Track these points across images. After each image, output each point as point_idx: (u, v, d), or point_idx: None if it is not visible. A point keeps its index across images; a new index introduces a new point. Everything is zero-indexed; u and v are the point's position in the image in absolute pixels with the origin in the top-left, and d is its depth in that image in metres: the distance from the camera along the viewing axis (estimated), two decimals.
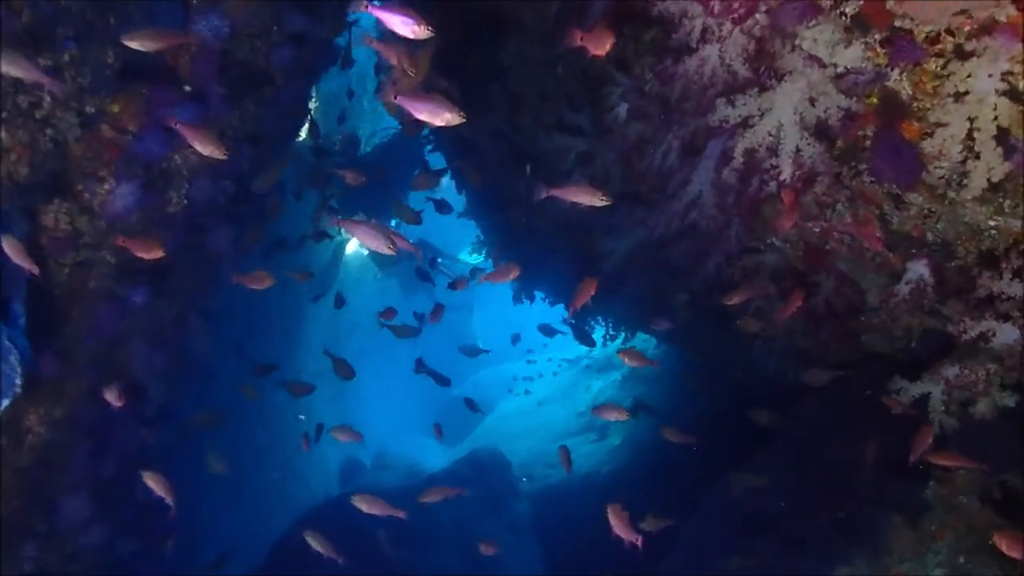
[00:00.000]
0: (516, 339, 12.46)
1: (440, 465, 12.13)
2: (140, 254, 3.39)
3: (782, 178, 3.23)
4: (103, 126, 3.35)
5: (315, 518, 9.05)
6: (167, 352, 4.49)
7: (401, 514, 4.37)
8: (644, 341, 11.68)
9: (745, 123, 3.18)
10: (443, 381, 8.12)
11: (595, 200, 3.79)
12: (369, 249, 11.79)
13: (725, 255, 4.50)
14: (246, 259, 5.70)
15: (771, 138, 3.13)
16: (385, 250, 3.45)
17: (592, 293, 4.31)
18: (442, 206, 7.41)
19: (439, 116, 3.11)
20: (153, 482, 3.39)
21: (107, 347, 3.92)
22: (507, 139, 6.21)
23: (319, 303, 13.15)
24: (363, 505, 4.31)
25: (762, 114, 3.12)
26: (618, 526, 4.46)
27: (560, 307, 9.10)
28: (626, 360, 4.90)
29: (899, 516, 3.98)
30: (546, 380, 13.85)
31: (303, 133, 9.48)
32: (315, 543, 4.40)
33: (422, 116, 3.12)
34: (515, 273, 5.18)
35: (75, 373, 3.77)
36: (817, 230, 3.95)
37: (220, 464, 5.52)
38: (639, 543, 4.39)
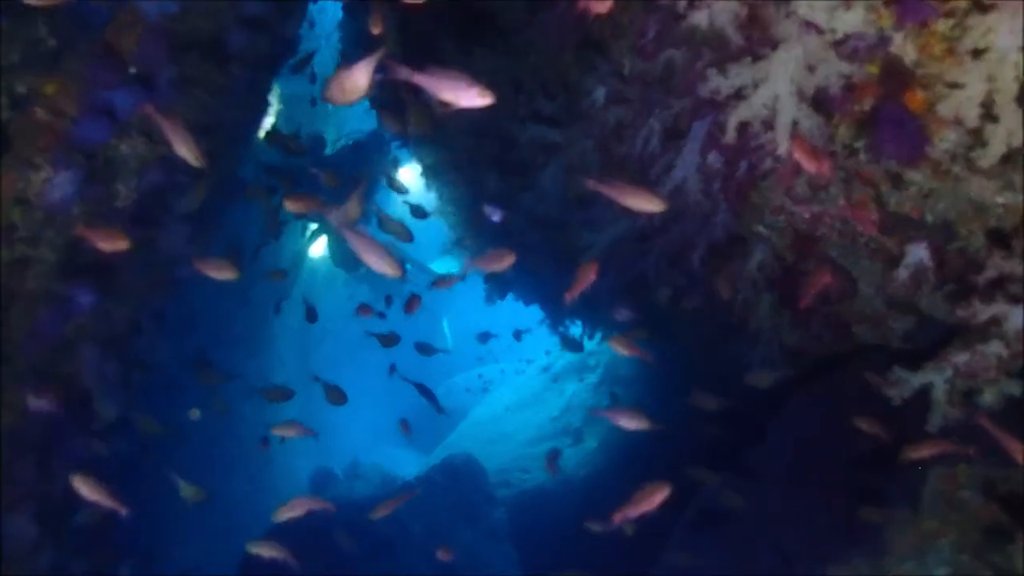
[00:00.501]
0: (485, 337, 12.20)
1: (414, 473, 11.80)
2: (102, 245, 3.04)
3: (778, 153, 2.99)
4: (37, 109, 3.03)
5: (283, 531, 8.67)
6: (120, 360, 4.15)
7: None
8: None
9: (738, 95, 2.95)
10: (428, 394, 7.80)
11: (652, 205, 3.30)
12: (337, 254, 11.46)
13: (710, 245, 4.26)
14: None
15: (766, 110, 2.89)
16: (392, 274, 3.11)
17: (593, 278, 3.94)
18: (417, 211, 7.13)
19: (464, 95, 2.54)
20: (85, 487, 2.98)
21: (50, 353, 3.58)
22: (479, 134, 5.95)
23: (285, 310, 12.76)
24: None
25: (756, 85, 2.88)
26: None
27: (534, 308, 8.84)
28: (617, 348, 4.55)
29: (899, 513, 3.76)
30: (518, 384, 13.57)
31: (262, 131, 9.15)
32: (268, 552, 3.98)
33: (446, 96, 2.55)
34: (509, 260, 4.83)
35: (14, 381, 3.43)
36: (807, 215, 3.73)
37: (192, 490, 5.07)
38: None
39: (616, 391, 11.11)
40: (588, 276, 3.92)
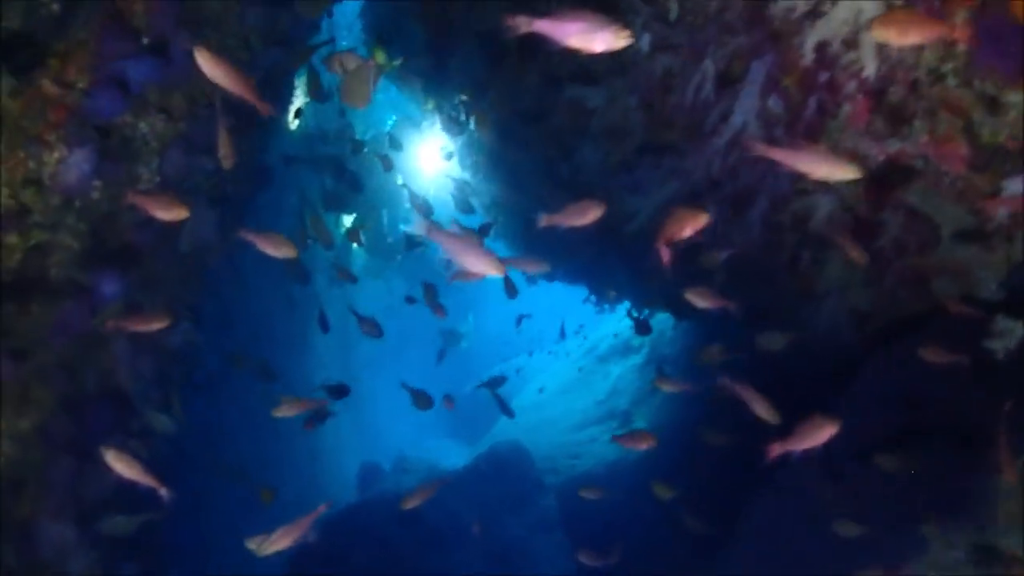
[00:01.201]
0: (520, 320, 11.88)
1: (460, 464, 11.55)
2: (159, 214, 2.76)
3: (865, 75, 2.64)
4: (44, 81, 2.78)
5: (333, 527, 8.48)
6: (154, 355, 3.91)
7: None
8: (661, 321, 11.10)
9: (815, 12, 2.60)
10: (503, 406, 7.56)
11: (844, 172, 2.62)
12: (374, 245, 11.22)
13: (772, 200, 3.91)
14: (236, 251, 5.11)
15: (848, 28, 2.54)
16: (494, 273, 2.76)
17: (699, 225, 3.09)
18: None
19: (598, 38, 2.21)
20: (119, 463, 2.64)
21: (80, 348, 3.34)
22: (513, 102, 5.62)
23: (327, 307, 12.54)
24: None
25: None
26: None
27: (578, 288, 8.50)
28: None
29: (1002, 483, 3.38)
30: (560, 368, 13.24)
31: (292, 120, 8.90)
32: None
33: (576, 43, 2.25)
34: (542, 267, 4.58)
35: (41, 378, 3.20)
36: (883, 157, 3.37)
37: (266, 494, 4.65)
38: None
39: (664, 370, 10.75)
40: (693, 221, 3.07)
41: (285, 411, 3.88)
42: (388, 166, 7.57)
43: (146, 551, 4.78)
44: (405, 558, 8.26)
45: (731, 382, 3.99)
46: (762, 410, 3.56)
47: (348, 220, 11.79)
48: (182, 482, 6.46)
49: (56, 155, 2.88)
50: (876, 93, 2.93)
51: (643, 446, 4.19)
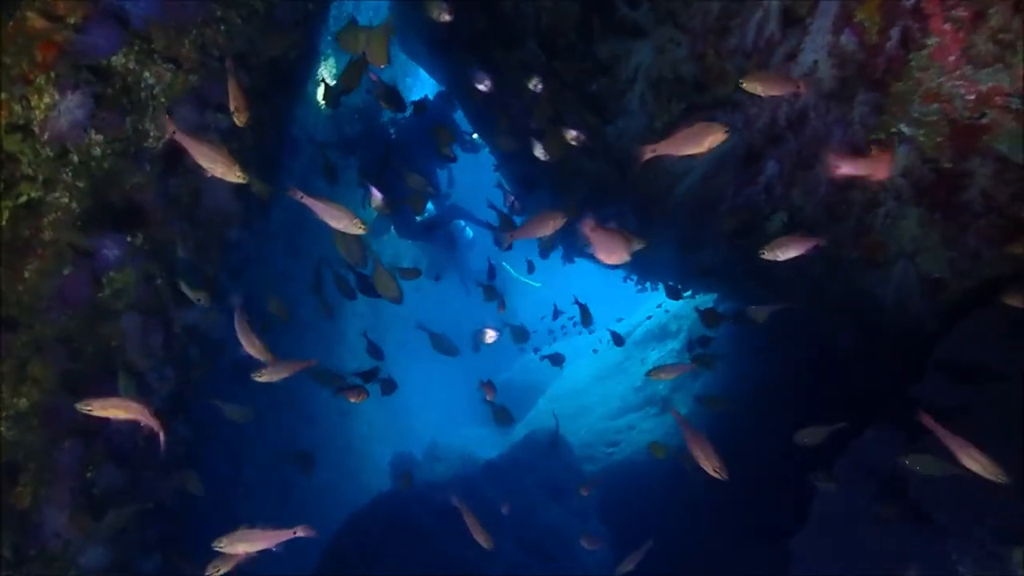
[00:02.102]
0: (556, 314, 11.45)
1: (495, 453, 11.23)
2: (207, 163, 2.45)
3: None
4: (29, 13, 2.46)
5: (366, 518, 8.19)
6: (167, 330, 3.59)
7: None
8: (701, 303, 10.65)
9: None
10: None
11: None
12: (400, 224, 10.89)
13: (848, 149, 3.49)
14: (262, 223, 4.79)
15: None
16: None
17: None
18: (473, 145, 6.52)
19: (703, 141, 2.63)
20: (108, 408, 2.29)
21: (82, 321, 3.03)
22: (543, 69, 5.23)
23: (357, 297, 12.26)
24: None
25: None
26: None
27: (618, 272, 8.10)
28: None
29: None
30: (595, 356, 12.83)
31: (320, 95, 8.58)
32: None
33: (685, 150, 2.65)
34: (557, 223, 3.84)
35: (39, 353, 2.90)
36: (972, 97, 2.95)
37: (238, 412, 4.33)
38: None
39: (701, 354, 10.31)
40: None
41: (268, 375, 3.46)
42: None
43: (170, 542, 4.49)
44: (440, 550, 7.95)
45: (682, 420, 3.78)
46: (706, 461, 3.21)
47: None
48: (211, 470, 6.19)
49: (46, 99, 2.56)
50: (972, 17, 2.51)
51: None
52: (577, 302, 7.95)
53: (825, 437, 4.11)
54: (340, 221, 2.93)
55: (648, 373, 4.78)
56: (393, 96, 5.09)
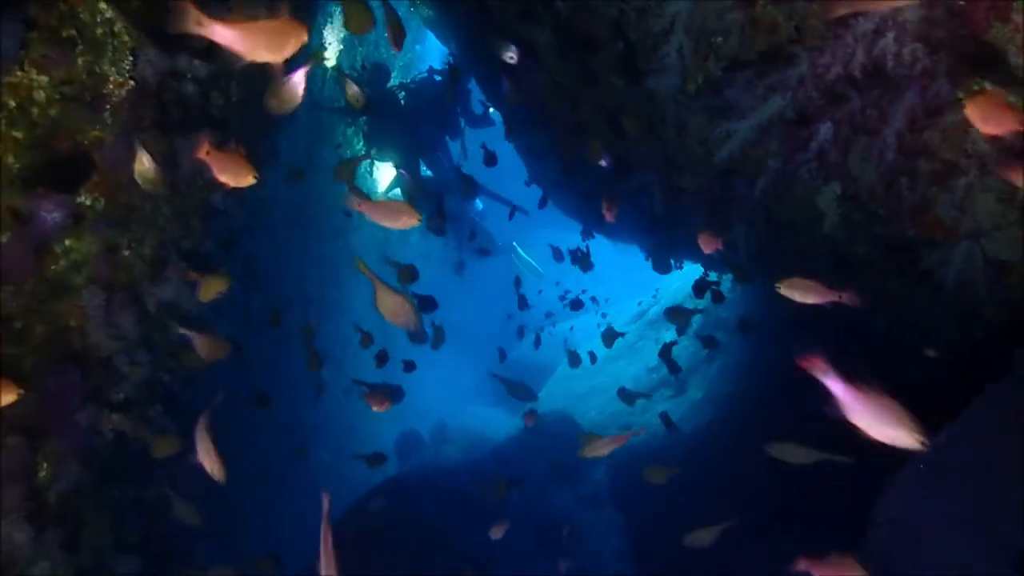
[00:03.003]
0: (577, 305, 10.92)
1: (504, 434, 10.79)
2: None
3: None
4: None
5: (367, 504, 7.77)
6: (139, 308, 3.11)
7: None
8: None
9: None
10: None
11: None
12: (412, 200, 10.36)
13: (922, 109, 2.97)
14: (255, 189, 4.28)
15: None
16: None
17: None
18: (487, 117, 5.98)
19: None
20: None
21: (28, 298, 2.56)
22: (563, 30, 4.70)
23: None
24: None
25: None
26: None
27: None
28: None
29: None
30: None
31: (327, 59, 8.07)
32: None
33: None
34: None
35: None
36: None
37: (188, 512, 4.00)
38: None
39: (718, 337, 9.82)
40: None
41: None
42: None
43: (153, 540, 4.05)
44: (446, 535, 7.53)
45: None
46: None
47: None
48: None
49: None
50: None
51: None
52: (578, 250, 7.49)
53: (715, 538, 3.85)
54: (398, 219, 2.78)
55: (580, 452, 4.28)
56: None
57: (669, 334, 10.61)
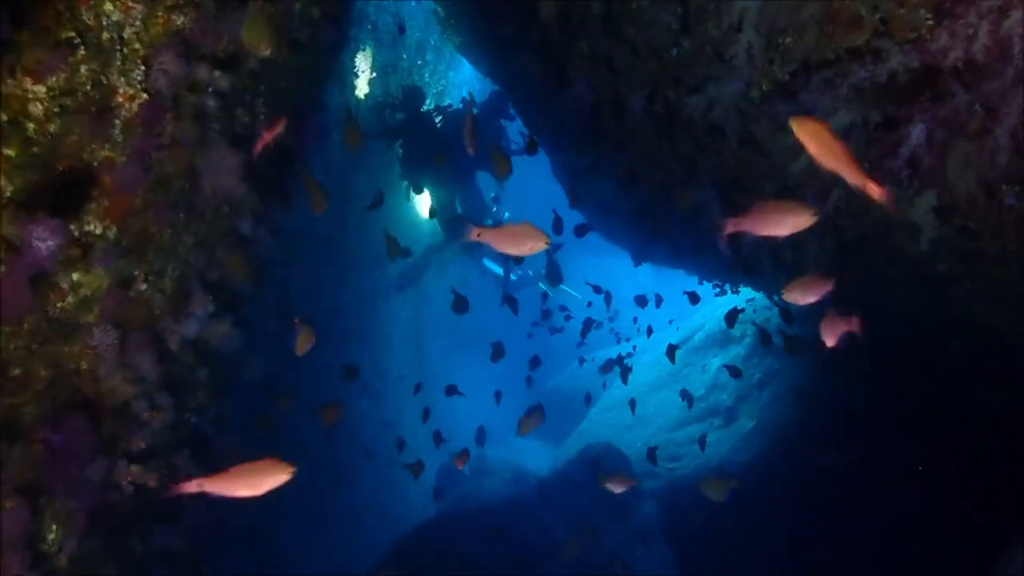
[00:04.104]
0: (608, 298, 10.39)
1: (545, 466, 10.32)
2: None
3: None
4: None
5: (411, 546, 7.34)
6: (160, 347, 2.77)
7: None
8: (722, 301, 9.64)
9: None
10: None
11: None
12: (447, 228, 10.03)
13: None
14: (284, 217, 3.97)
15: None
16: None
17: None
18: (532, 147, 5.59)
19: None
20: None
21: (28, 338, 2.21)
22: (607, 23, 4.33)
23: (399, 299, 11.43)
24: None
25: None
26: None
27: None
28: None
29: None
30: (649, 362, 11.85)
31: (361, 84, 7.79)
32: None
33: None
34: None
35: None
36: None
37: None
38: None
39: (769, 364, 9.32)
40: None
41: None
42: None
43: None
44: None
45: None
46: None
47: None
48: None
49: None
50: None
51: None
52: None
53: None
54: (525, 244, 2.58)
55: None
56: None
57: (717, 360, 10.10)
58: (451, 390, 6.58)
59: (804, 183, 3.80)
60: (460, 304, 6.11)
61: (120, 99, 2.23)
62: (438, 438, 6.47)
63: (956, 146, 2.95)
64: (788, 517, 7.31)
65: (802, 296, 3.21)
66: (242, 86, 2.86)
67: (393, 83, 9.32)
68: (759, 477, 7.91)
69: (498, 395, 8.15)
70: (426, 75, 10.42)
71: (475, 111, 9.00)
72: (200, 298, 2.95)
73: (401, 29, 8.96)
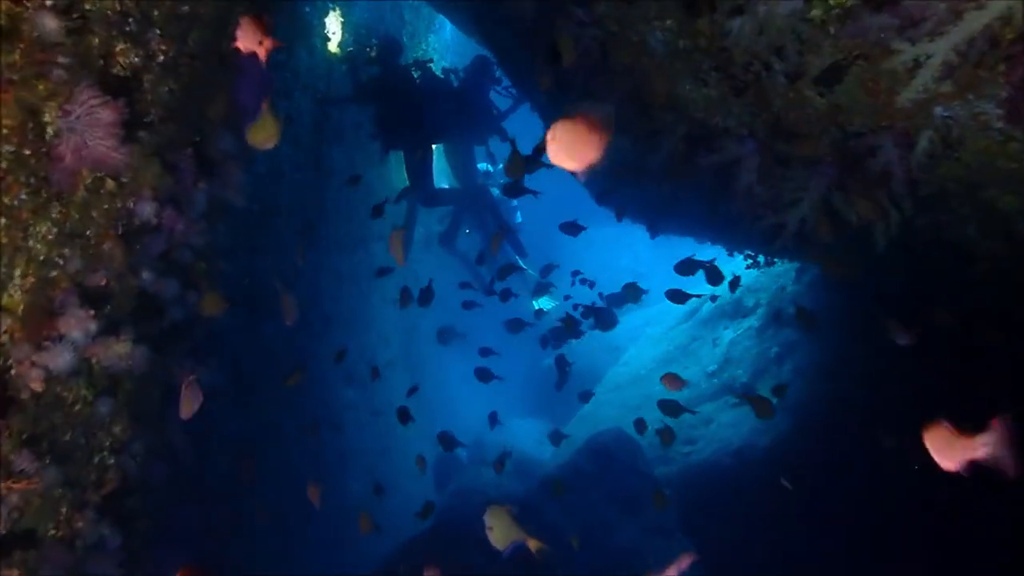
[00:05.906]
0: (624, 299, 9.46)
1: (548, 452, 9.48)
2: None
3: None
4: None
5: (409, 547, 6.52)
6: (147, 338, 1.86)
7: None
8: (779, 273, 8.75)
9: None
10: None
11: None
12: None
13: None
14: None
15: None
16: None
17: None
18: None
19: None
20: None
21: None
22: None
23: (384, 282, 10.48)
24: None
25: None
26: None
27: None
28: None
29: None
30: (656, 336, 10.96)
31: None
32: None
33: None
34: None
35: None
36: None
37: None
38: None
39: (787, 336, 8.44)
40: None
41: None
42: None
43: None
44: None
45: None
46: None
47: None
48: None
49: None
50: None
51: None
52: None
53: None
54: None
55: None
56: None
57: (729, 333, 9.22)
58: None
59: (883, 127, 2.88)
60: (425, 296, 5.81)
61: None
62: (447, 442, 5.86)
63: None
64: (819, 508, 6.49)
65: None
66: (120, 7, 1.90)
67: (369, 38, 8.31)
68: (786, 460, 7.08)
69: (487, 375, 7.29)
70: (404, 38, 9.39)
71: (460, 76, 8.02)
72: (75, 313, 2.02)
73: None
